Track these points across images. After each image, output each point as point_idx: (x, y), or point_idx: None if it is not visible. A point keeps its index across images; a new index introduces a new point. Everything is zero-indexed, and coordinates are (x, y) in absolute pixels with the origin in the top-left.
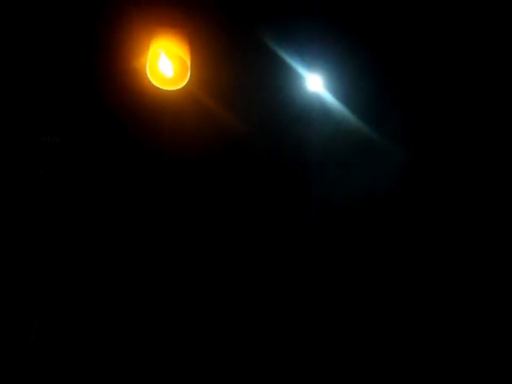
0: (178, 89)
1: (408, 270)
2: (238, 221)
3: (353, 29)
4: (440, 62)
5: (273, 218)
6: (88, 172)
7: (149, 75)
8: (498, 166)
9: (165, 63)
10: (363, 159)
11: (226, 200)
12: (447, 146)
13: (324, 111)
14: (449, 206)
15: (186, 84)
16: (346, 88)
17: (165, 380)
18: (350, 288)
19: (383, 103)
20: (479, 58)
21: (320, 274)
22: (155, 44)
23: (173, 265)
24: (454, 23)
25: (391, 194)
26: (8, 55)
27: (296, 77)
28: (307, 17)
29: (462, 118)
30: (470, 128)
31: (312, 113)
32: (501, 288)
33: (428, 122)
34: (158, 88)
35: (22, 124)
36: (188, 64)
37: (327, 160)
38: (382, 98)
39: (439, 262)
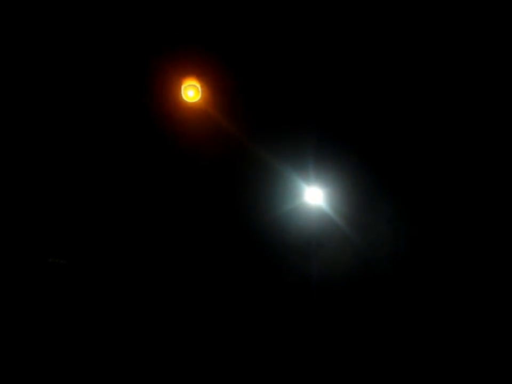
0: (195, 102)
1: None
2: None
3: (353, 147)
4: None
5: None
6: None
7: (182, 94)
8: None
9: (189, 89)
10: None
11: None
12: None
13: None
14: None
15: (198, 99)
16: (344, 200)
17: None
18: None
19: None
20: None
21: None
22: (185, 80)
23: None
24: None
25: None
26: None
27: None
28: (306, 133)
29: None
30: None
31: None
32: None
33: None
34: (185, 101)
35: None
36: (199, 90)
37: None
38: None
39: None
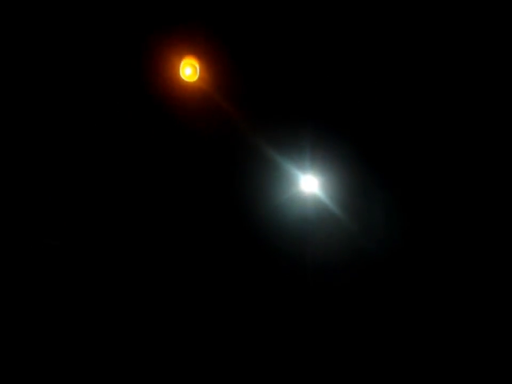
0: (193, 81)
1: None
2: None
3: (347, 134)
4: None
5: None
6: None
7: (180, 73)
8: None
9: (187, 67)
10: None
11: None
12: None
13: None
14: None
15: (196, 80)
16: (339, 189)
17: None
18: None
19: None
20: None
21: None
22: (184, 58)
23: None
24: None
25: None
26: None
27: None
28: (301, 122)
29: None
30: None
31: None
32: None
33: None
34: (183, 80)
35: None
36: (197, 69)
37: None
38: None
39: None
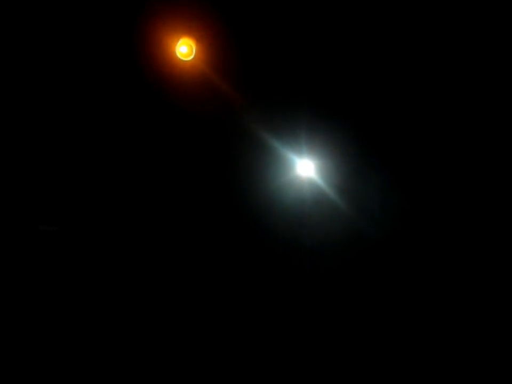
0: (189, 60)
1: None
2: None
3: (342, 118)
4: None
5: None
6: None
7: (176, 52)
8: None
9: (183, 46)
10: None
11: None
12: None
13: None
14: None
15: (192, 58)
16: (336, 172)
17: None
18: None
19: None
20: None
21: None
22: (180, 36)
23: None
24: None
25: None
26: None
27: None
28: (297, 107)
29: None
30: None
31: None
32: None
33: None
34: (179, 59)
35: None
36: (193, 48)
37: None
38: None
39: None
